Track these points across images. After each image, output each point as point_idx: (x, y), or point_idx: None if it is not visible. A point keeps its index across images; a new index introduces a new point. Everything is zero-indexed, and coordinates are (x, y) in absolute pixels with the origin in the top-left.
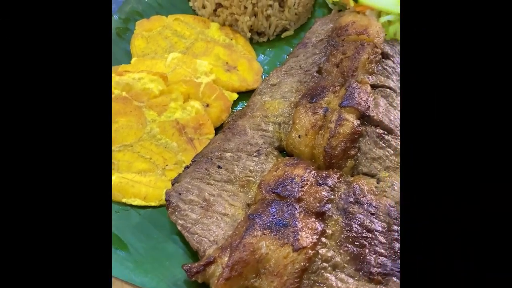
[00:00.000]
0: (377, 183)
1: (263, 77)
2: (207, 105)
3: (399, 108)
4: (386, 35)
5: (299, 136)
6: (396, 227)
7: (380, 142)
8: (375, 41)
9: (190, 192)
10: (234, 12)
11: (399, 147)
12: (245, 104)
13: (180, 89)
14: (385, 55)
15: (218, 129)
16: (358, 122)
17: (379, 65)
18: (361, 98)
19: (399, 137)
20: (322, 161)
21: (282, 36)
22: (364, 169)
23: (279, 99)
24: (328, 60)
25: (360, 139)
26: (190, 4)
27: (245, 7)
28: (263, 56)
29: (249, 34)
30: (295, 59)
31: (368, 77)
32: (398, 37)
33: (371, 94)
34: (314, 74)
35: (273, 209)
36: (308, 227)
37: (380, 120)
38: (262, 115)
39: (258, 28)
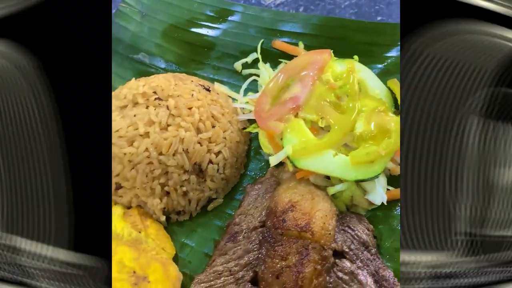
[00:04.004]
0: None
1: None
2: None
3: None
4: (338, 214)
5: None
6: None
7: None
8: (321, 243)
9: None
10: (139, 194)
11: None
12: None
13: None
14: (339, 254)
15: None
16: None
17: (332, 274)
18: None
19: None
20: None
21: (209, 208)
22: None
23: None
24: (265, 263)
25: None
26: None
27: (152, 188)
28: (185, 244)
29: (163, 218)
30: (222, 259)
31: None
32: (358, 201)
33: None
34: (249, 286)
35: None
36: None
37: None
38: None
39: (175, 208)
